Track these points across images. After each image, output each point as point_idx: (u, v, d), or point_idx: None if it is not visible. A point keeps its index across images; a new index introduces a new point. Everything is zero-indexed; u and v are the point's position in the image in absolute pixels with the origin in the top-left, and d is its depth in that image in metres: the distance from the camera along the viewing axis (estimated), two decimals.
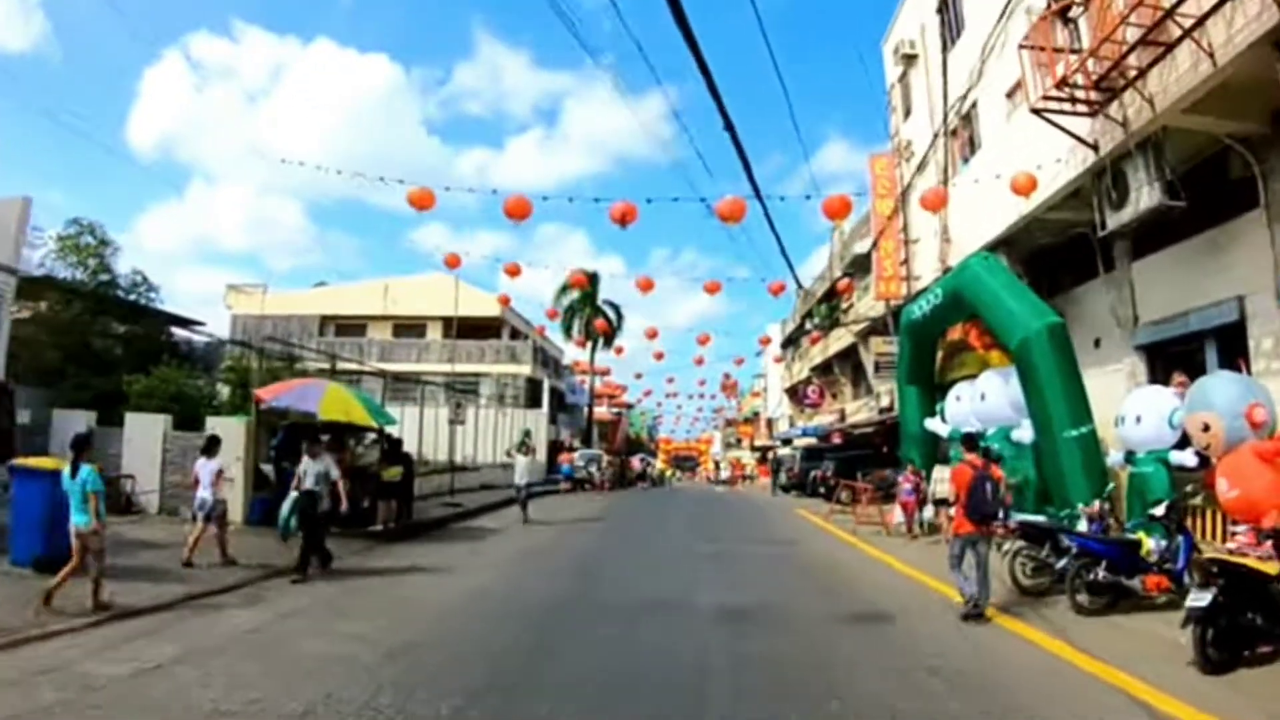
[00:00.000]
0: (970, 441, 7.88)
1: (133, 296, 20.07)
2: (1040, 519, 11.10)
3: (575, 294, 44.89)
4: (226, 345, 24.48)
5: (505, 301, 23.59)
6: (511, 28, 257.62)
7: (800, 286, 19.11)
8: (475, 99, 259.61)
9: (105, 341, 18.80)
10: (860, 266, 26.43)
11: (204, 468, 9.49)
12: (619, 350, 41.18)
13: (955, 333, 17.91)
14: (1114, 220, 11.59)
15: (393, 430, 17.49)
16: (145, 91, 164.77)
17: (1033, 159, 12.81)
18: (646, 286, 15.47)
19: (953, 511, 8.51)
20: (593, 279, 46.79)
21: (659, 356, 37.81)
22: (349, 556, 10.68)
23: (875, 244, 18.90)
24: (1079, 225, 14.30)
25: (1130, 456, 11.55)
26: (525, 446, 17.50)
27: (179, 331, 22.81)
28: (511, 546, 12.13)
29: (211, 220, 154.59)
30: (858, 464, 21.33)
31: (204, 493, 9.31)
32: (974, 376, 16.16)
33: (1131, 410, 11.37)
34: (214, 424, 13.61)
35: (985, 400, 14.16)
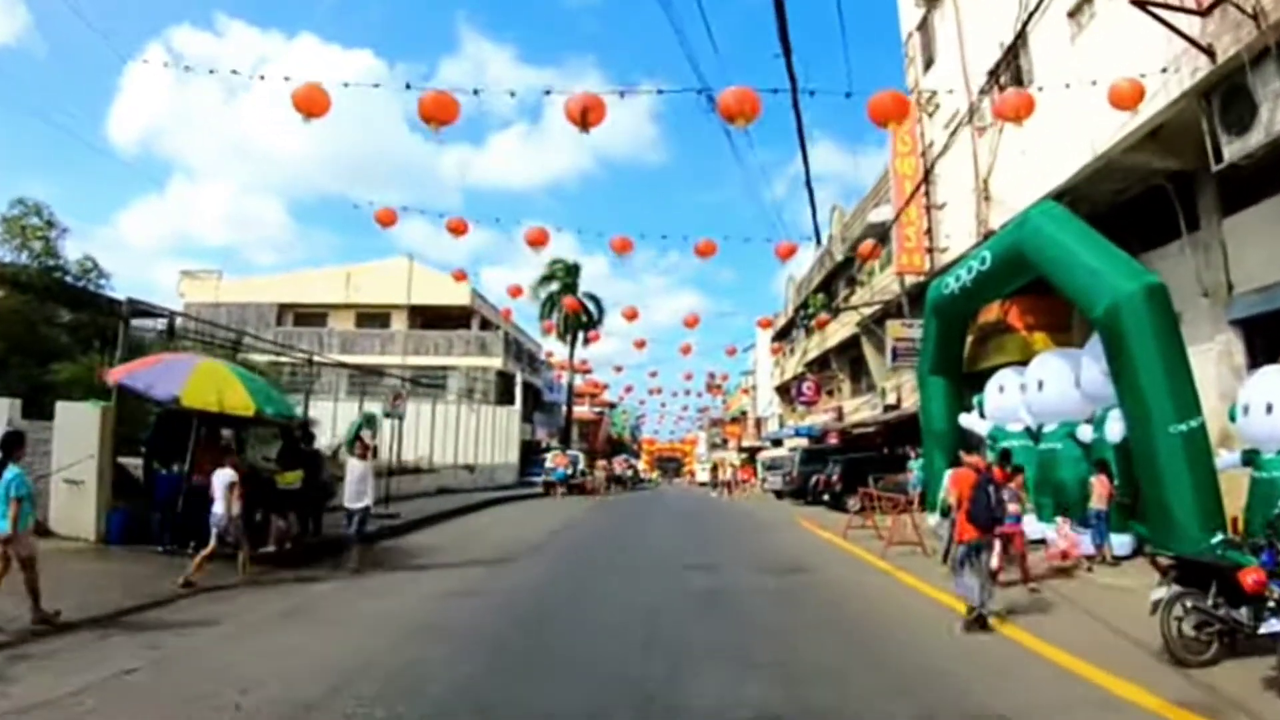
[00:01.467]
0: (968, 445, 7.69)
1: (82, 283, 17.91)
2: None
3: (555, 286, 42.16)
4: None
5: (461, 277, 20.62)
6: (496, 24, 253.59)
7: (819, 242, 16.26)
8: (459, 94, 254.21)
9: (52, 330, 16.78)
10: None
11: (216, 479, 8.50)
12: (594, 337, 38.27)
13: (990, 313, 15.25)
14: (1234, 149, 8.89)
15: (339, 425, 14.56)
16: (127, 86, 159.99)
17: (1106, 89, 10.12)
18: (623, 247, 12.63)
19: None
20: (573, 270, 44.07)
21: (640, 345, 34.72)
22: (196, 597, 7.71)
23: (900, 210, 16.08)
24: (1157, 173, 11.68)
25: (1251, 457, 8.88)
26: (359, 444, 10.23)
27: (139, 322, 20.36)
28: (439, 582, 9.02)
29: (192, 216, 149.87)
30: (868, 467, 18.50)
31: (218, 508, 8.36)
32: (1016, 363, 13.48)
33: (1258, 397, 8.67)
34: (63, 409, 10.62)
35: (1044, 389, 11.43)
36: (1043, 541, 11.32)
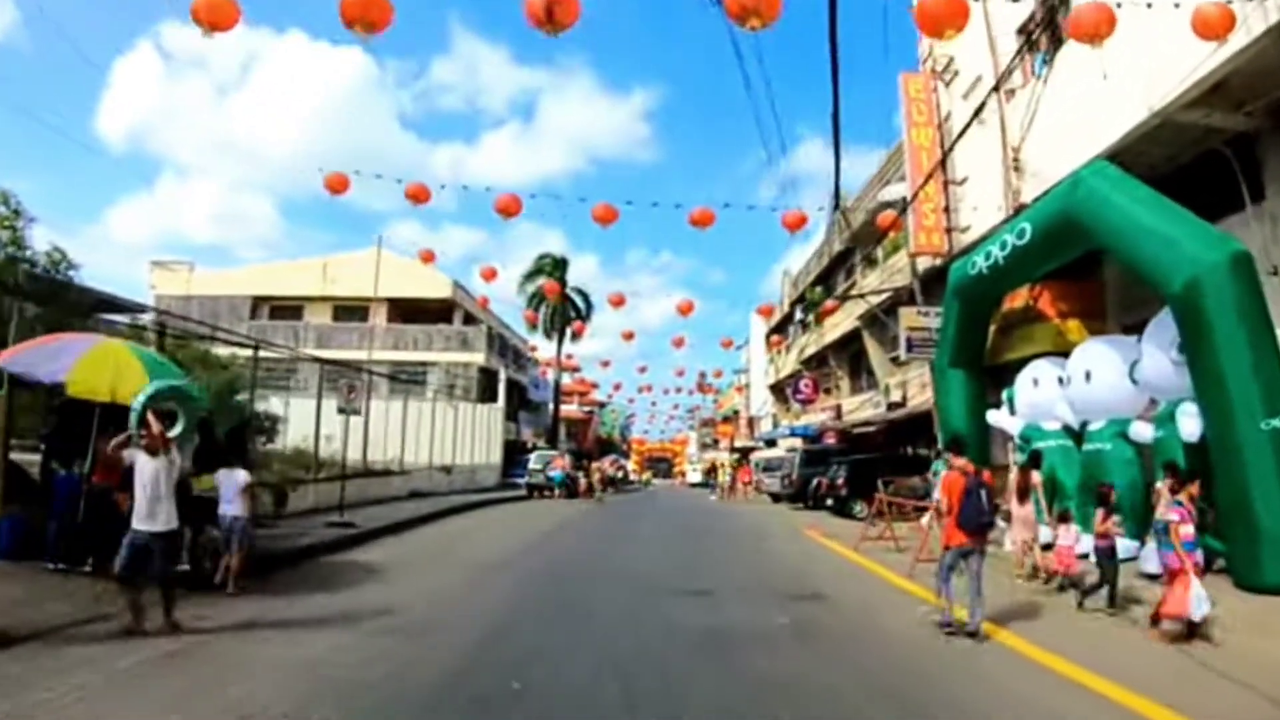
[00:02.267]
0: (958, 446, 7.32)
1: (50, 275, 16.50)
2: None
3: (541, 280, 40.52)
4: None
5: (429, 258, 18.90)
6: (489, 23, 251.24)
7: (838, 204, 14.67)
8: (451, 93, 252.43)
9: (19, 322, 15.43)
10: (870, 233, 22.10)
11: (226, 479, 7.99)
12: (580, 329, 36.81)
13: (1017, 298, 13.84)
14: None
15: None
16: (116, 82, 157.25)
17: (1166, 35, 8.70)
18: (606, 216, 11.06)
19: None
20: (561, 264, 42.49)
21: (629, 336, 33.22)
22: (78, 629, 6.09)
23: (920, 186, 14.54)
24: (1214, 134, 10.31)
25: None
26: (145, 430, 6.24)
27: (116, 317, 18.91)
28: (373, 616, 6.91)
29: (183, 213, 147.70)
30: (876, 470, 16.99)
31: (225, 509, 7.88)
32: (1050, 354, 12.07)
33: None
34: None
35: (1091, 381, 9.99)
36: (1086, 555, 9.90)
